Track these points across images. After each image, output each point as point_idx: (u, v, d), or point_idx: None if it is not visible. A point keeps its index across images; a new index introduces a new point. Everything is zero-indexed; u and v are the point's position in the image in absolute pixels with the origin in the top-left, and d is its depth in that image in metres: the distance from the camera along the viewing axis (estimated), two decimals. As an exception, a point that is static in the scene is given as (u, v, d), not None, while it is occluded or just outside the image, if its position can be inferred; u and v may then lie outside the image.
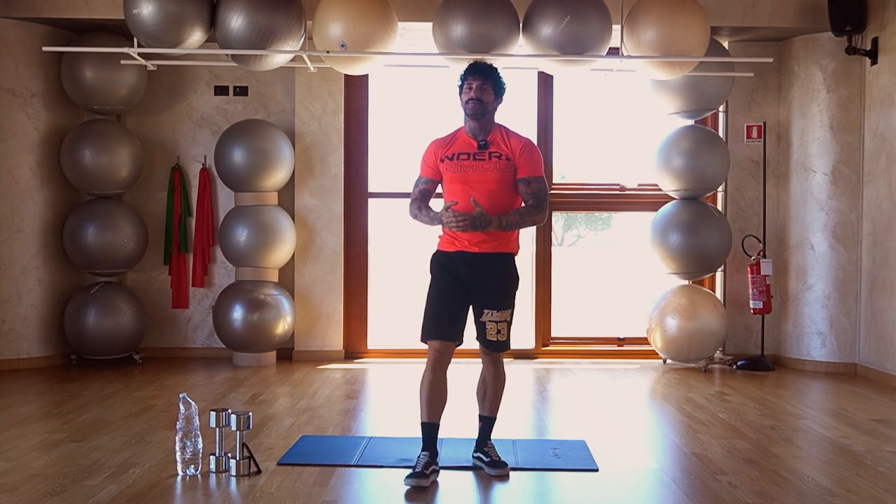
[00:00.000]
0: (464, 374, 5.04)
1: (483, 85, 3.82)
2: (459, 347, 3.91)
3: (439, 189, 3.99)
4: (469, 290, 3.84)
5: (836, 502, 3.55)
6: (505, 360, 4.04)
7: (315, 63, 6.22)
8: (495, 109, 3.91)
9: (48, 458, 4.05)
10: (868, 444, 4.49)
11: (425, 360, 3.86)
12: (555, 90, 7.22)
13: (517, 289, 3.95)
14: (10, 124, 6.44)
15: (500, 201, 3.82)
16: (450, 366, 3.87)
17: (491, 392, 3.99)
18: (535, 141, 7.23)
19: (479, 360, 4.03)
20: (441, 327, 3.81)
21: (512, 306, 3.91)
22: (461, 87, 3.89)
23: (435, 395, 3.81)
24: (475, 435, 4.08)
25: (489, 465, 3.91)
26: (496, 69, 3.92)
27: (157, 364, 6.74)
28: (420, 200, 3.94)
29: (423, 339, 3.86)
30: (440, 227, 3.88)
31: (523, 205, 3.89)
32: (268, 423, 4.79)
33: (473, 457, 4.01)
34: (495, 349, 3.91)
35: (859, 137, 6.60)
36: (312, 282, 7.00)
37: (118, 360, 6.76)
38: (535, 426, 5.04)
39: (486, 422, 4.02)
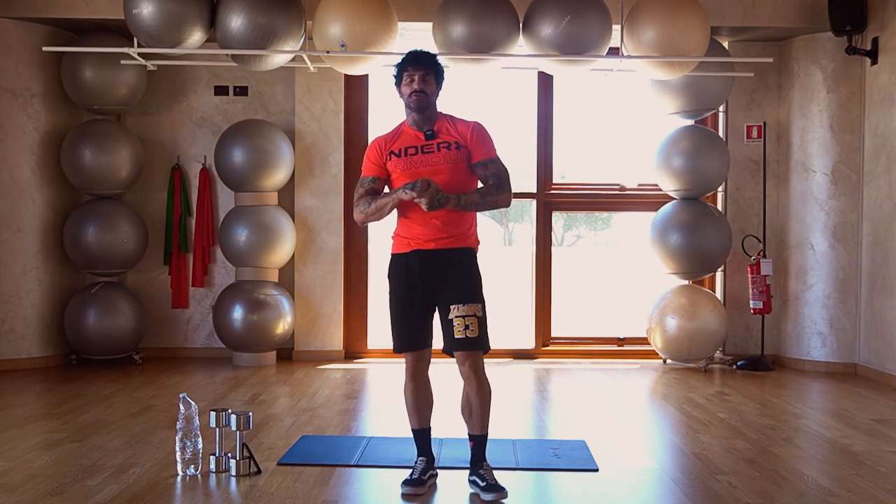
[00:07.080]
0: (454, 374, 5.03)
1: (426, 76, 3.57)
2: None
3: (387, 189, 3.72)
4: (430, 291, 3.60)
5: (836, 502, 3.54)
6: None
7: (315, 63, 6.22)
8: (437, 98, 3.66)
9: (48, 458, 4.05)
10: (868, 444, 4.49)
11: None
12: (555, 90, 7.22)
13: (482, 285, 3.66)
14: (10, 124, 6.44)
15: (455, 193, 3.55)
16: (430, 367, 3.77)
17: (476, 408, 3.66)
18: (533, 140, 7.26)
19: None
20: (409, 339, 3.67)
21: (481, 301, 3.60)
22: (399, 79, 3.62)
23: (420, 402, 3.75)
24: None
25: (484, 489, 3.58)
26: (435, 56, 3.67)
27: (157, 364, 6.74)
28: (368, 197, 3.65)
29: (396, 352, 3.73)
30: (394, 225, 3.69)
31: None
32: (268, 423, 4.79)
33: (469, 480, 3.70)
34: (464, 348, 3.56)
35: (859, 137, 6.60)
36: (312, 282, 7.00)
37: (118, 360, 6.76)
38: (535, 426, 5.04)
39: (477, 441, 3.70)
